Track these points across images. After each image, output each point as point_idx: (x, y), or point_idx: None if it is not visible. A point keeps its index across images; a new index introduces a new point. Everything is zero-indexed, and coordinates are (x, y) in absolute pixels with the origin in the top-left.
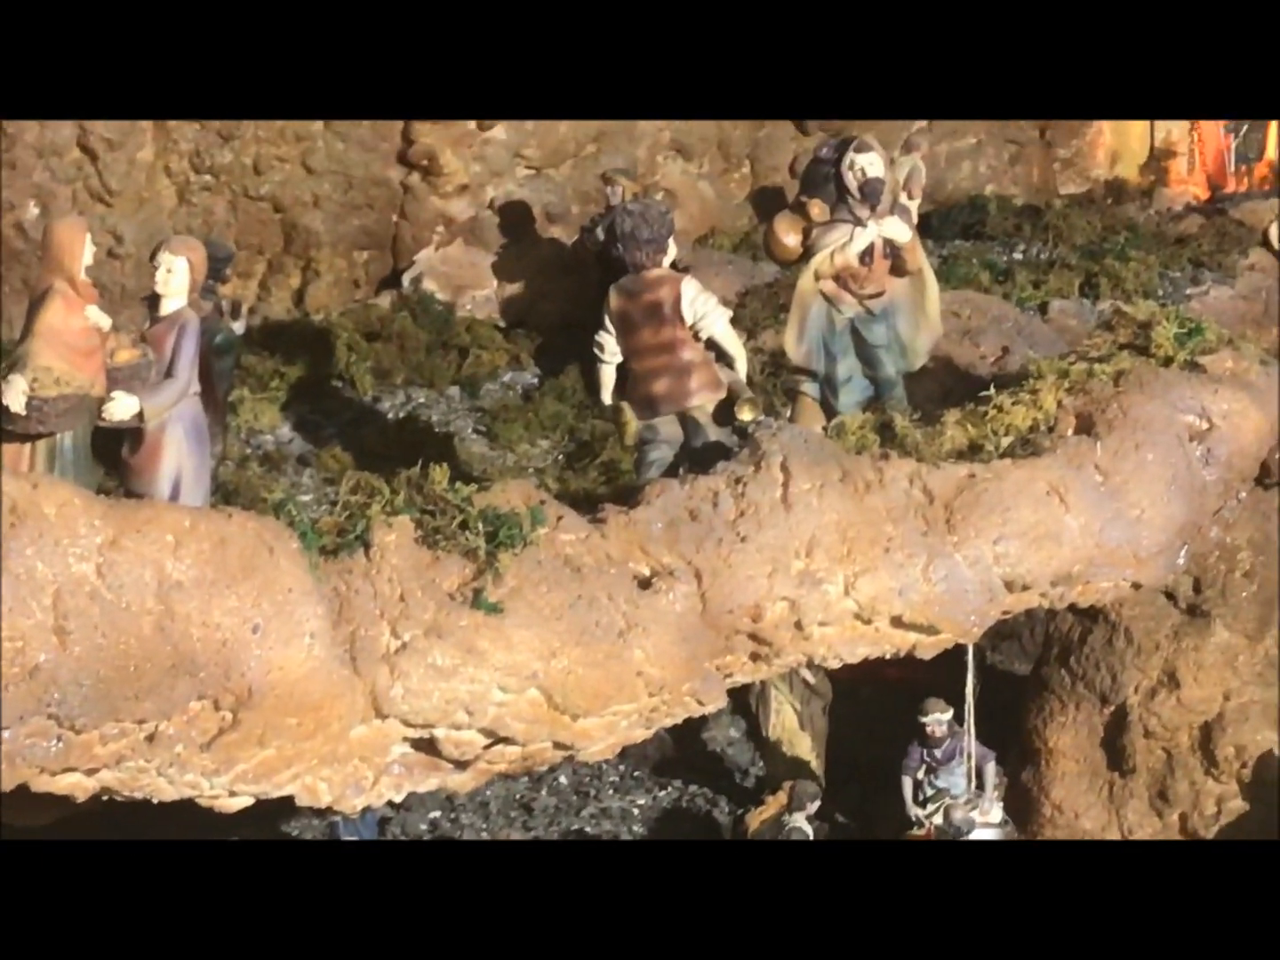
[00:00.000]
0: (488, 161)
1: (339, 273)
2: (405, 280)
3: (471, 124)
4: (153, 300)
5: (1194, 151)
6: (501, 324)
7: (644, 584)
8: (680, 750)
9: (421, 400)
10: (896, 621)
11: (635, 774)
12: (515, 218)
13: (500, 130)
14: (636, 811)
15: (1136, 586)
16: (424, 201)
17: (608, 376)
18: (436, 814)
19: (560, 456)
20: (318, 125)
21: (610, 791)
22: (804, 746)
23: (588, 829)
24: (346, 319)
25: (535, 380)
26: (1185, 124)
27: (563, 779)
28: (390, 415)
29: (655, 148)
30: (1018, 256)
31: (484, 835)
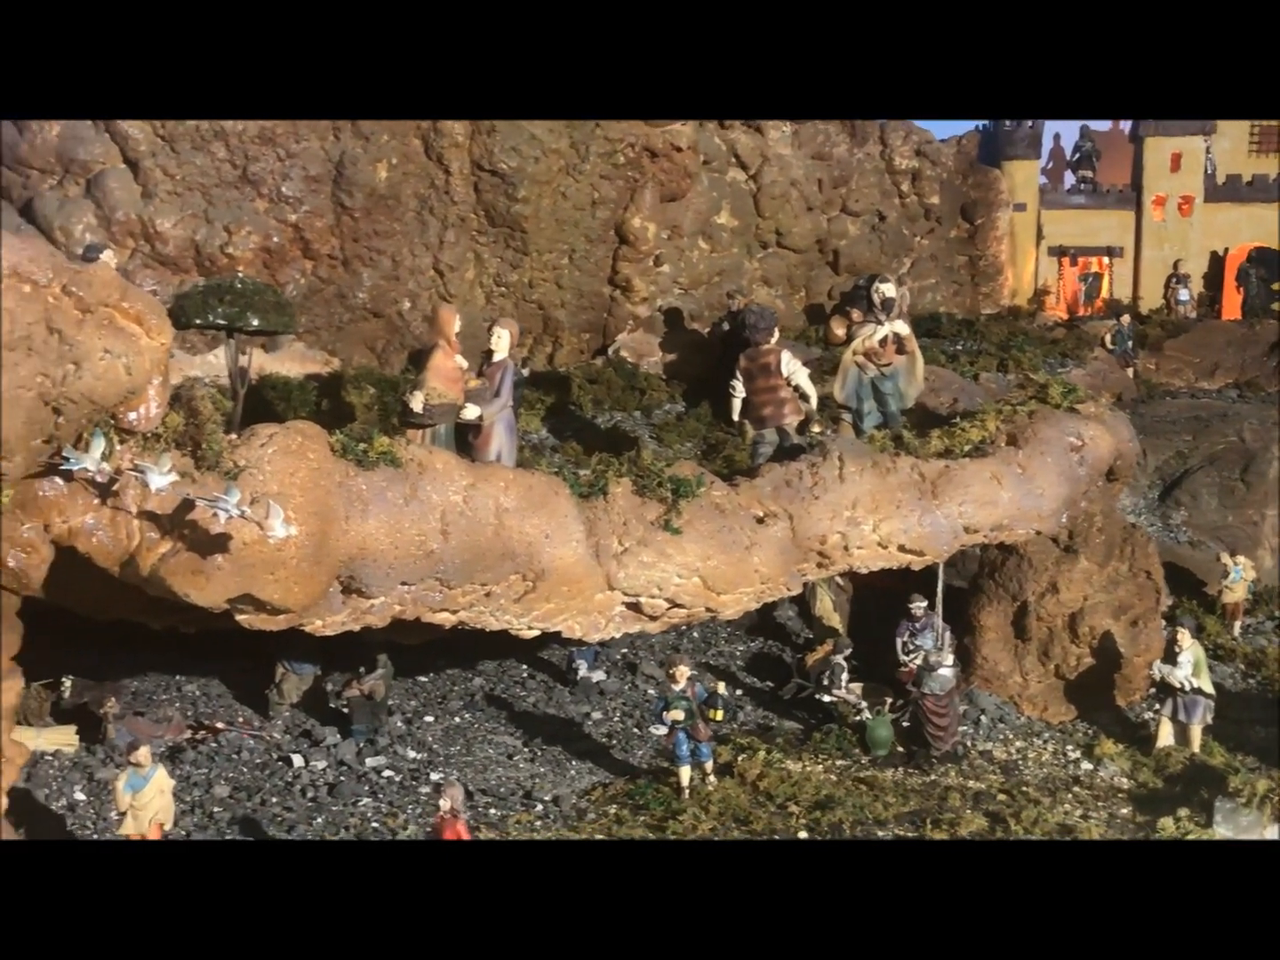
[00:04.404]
0: (659, 284)
1: (573, 345)
2: (610, 351)
3: (650, 261)
4: (487, 354)
5: (1059, 291)
6: (664, 377)
7: (759, 521)
8: (761, 620)
9: (619, 418)
10: (901, 548)
11: (736, 633)
12: (673, 317)
13: (667, 266)
14: (738, 654)
15: (1038, 534)
16: (622, 307)
17: (736, 405)
18: (625, 649)
19: (699, 452)
20: (565, 261)
21: (722, 642)
22: (835, 621)
23: (710, 662)
24: (578, 371)
25: (683, 408)
26: (1055, 273)
27: (695, 633)
28: (602, 426)
29: (753, 279)
30: (959, 348)
31: (653, 664)
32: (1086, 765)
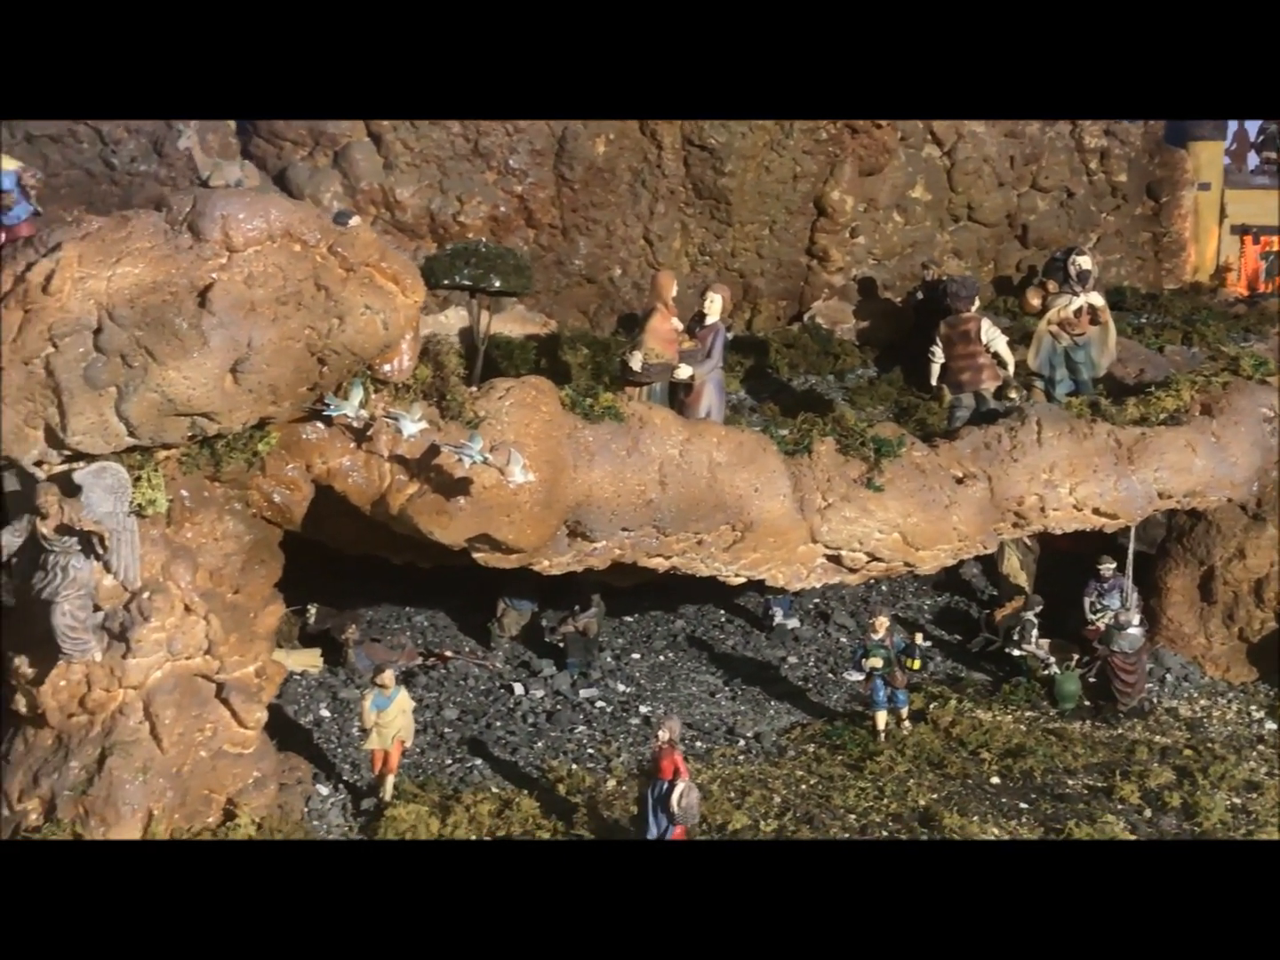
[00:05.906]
0: (854, 255)
1: (771, 312)
2: (806, 318)
3: (847, 232)
4: (699, 316)
5: (1241, 268)
6: (857, 343)
7: (959, 481)
8: (948, 576)
9: (814, 381)
10: (1096, 511)
11: (924, 587)
12: (866, 286)
13: (862, 237)
14: (925, 607)
15: (1229, 500)
16: (818, 276)
17: (935, 370)
18: (818, 599)
19: (891, 415)
20: (766, 232)
21: (910, 596)
22: (1022, 579)
23: (899, 615)
24: (775, 336)
25: (875, 372)
26: (1237, 250)
27: (884, 586)
28: (797, 388)
29: (943, 251)
30: (1144, 320)
31: (845, 614)
32: (1270, 725)
